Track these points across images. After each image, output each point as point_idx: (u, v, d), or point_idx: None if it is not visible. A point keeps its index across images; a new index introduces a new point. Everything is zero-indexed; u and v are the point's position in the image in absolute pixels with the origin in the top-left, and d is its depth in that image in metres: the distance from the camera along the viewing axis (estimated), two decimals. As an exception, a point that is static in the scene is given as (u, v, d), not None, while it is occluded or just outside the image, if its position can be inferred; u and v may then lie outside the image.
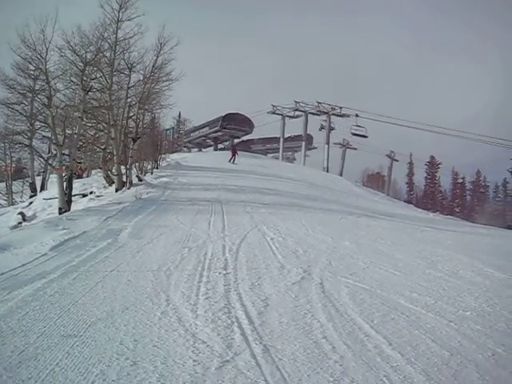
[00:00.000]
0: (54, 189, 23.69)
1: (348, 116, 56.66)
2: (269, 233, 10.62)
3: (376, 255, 8.82)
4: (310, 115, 59.63)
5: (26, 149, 29.74)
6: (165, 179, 24.01)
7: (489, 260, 9.05)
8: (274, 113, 61.15)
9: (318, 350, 4.37)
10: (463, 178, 74.38)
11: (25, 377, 3.72)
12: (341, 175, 55.14)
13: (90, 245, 8.89)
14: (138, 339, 4.47)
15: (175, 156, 43.11)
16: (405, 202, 54.42)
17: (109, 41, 20.40)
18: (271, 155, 66.50)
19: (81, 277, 6.67)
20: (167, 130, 51.64)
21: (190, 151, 67.10)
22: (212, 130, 68.31)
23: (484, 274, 7.77)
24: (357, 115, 55.80)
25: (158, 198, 17.24)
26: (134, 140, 22.42)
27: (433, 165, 73.00)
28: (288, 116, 61.14)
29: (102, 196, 20.07)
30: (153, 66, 22.67)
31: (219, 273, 7.01)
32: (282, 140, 61.70)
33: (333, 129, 58.11)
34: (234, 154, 39.30)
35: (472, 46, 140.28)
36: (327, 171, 54.69)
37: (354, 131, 57.41)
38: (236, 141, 69.87)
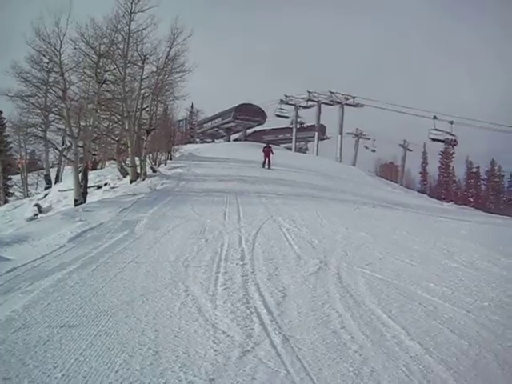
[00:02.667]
0: (68, 180, 23.93)
1: (361, 106, 56.35)
2: (284, 223, 10.66)
3: (392, 245, 8.84)
4: (322, 105, 59.38)
5: (40, 141, 30.02)
6: (179, 170, 24.13)
7: (505, 250, 9.02)
8: (286, 103, 61.04)
9: (336, 339, 4.41)
10: (478, 168, 73.78)
11: (51, 366, 3.79)
12: (354, 165, 54.99)
13: (107, 236, 8.99)
14: (159, 329, 4.53)
15: (188, 147, 43.24)
16: (418, 191, 54.10)
17: (122, 32, 20.57)
18: (284, 145, 66.45)
19: (100, 268, 6.76)
20: (180, 121, 51.82)
21: (202, 142, 67.24)
22: (225, 121, 68.28)
23: (501, 265, 7.75)
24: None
25: (172, 189, 17.35)
26: (148, 131, 22.54)
27: (447, 154, 72.50)
28: (301, 106, 60.98)
29: (116, 187, 20.20)
30: (166, 58, 22.85)
31: (236, 263, 7.07)
32: (294, 130, 61.57)
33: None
34: (267, 155, 28.73)
35: (487, 31, 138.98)
36: (340, 161, 54.57)
37: (432, 136, 52.50)
38: (249, 131, 69.93)
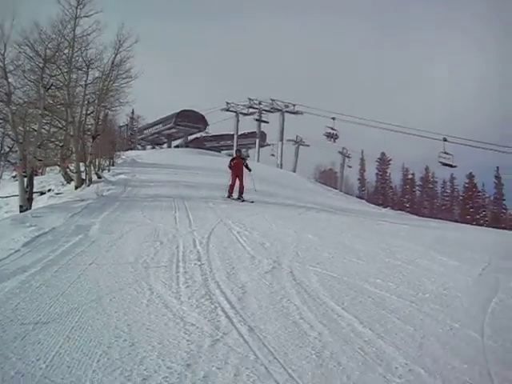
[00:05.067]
0: (9, 187, 23.51)
1: (301, 113, 57.42)
2: (234, 227, 11.02)
3: (339, 246, 9.35)
4: (263, 112, 60.19)
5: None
6: (123, 176, 24.15)
7: (441, 249, 9.71)
8: (227, 110, 61.55)
9: (297, 328, 4.83)
10: (413, 174, 76.60)
11: (33, 358, 4.03)
12: (294, 171, 55.99)
13: (63, 240, 9.10)
14: (131, 324, 4.82)
15: (130, 153, 43.05)
16: (357, 197, 55.70)
17: (67, 37, 20.39)
18: (225, 152, 66.98)
19: (62, 270, 6.93)
20: (121, 127, 51.47)
21: (144, 149, 66.91)
22: (166, 127, 68.26)
23: (438, 262, 8.39)
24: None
25: (119, 194, 17.44)
26: (94, 137, 22.47)
27: (383, 161, 74.88)
28: (242, 113, 61.67)
29: (61, 194, 20.09)
30: (112, 63, 22.78)
31: (194, 264, 7.39)
32: (235, 137, 62.15)
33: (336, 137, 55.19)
34: (238, 174, 17.87)
35: (419, 41, 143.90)
36: (281, 167, 55.46)
37: (442, 160, 49.50)
38: (190, 138, 70.08)
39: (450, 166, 49.36)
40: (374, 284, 6.62)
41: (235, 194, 17.60)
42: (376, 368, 4.02)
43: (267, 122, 58.90)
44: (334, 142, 55.34)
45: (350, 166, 66.41)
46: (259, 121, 58.85)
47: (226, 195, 17.63)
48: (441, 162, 48.68)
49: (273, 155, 60.63)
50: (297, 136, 62.55)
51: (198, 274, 6.83)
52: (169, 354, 4.14)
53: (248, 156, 68.48)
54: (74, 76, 21.92)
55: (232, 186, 17.73)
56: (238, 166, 18.06)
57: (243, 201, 17.02)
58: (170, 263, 7.40)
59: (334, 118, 53.43)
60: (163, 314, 5.12)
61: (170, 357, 4.07)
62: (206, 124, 67.52)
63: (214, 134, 70.10)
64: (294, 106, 58.43)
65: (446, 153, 47.44)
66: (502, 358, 4.39)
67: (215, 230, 10.45)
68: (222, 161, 40.32)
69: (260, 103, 59.89)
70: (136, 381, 3.64)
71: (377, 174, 75.38)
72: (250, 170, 18.16)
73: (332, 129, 54.30)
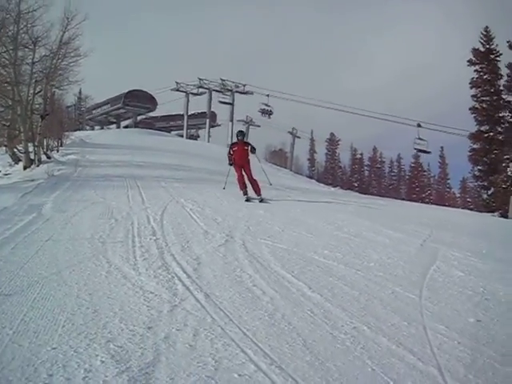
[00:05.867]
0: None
1: (251, 93, 57.59)
2: (187, 204, 11.25)
3: (289, 221, 9.72)
4: (214, 92, 60.08)
5: None
6: (73, 156, 23.98)
7: (387, 223, 10.22)
8: (177, 90, 61.16)
9: (250, 294, 5.16)
10: (361, 154, 78.17)
11: (-1, 326, 4.21)
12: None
13: (16, 219, 9.15)
14: (92, 293, 5.04)
15: (79, 134, 42.38)
16: (307, 177, 56.53)
17: (12, 13, 19.94)
18: (175, 132, 66.61)
19: (19, 246, 7.05)
20: (68, 107, 50.55)
21: (92, 129, 65.83)
22: (114, 108, 67.35)
23: (384, 234, 8.86)
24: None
25: (70, 174, 17.40)
26: (43, 117, 22.14)
27: (333, 141, 76.06)
28: (192, 93, 61.39)
29: (10, 174, 19.79)
30: (60, 41, 22.38)
31: (150, 238, 7.62)
32: (185, 117, 61.89)
33: None
34: (243, 164, 13.66)
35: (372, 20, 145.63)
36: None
37: (417, 146, 50.05)
38: (139, 118, 69.32)
39: (425, 151, 50.37)
40: (322, 255, 7.00)
41: (250, 192, 13.27)
42: (324, 326, 4.38)
43: (231, 104, 58.60)
44: (269, 117, 56.37)
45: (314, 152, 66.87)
46: (223, 103, 58.50)
47: (242, 193, 13.21)
48: (416, 149, 49.55)
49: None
50: (247, 116, 62.76)
51: (153, 247, 7.06)
52: (130, 318, 4.38)
53: (198, 136, 68.48)
54: (21, 54, 21.49)
55: (241, 180, 13.44)
56: (240, 154, 13.60)
57: (262, 200, 12.89)
58: (125, 238, 7.60)
59: (268, 95, 55.02)
60: (123, 284, 5.35)
61: (131, 321, 4.32)
62: (155, 104, 66.89)
63: (164, 114, 69.53)
64: (243, 85, 58.54)
65: (420, 139, 48.10)
66: (437, 315, 4.84)
67: (168, 208, 10.66)
68: (172, 141, 40.38)
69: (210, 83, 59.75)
70: (101, 342, 3.87)
71: (326, 154, 76.59)
72: (254, 151, 13.85)
73: (266, 105, 55.54)
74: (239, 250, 7.06)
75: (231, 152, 13.78)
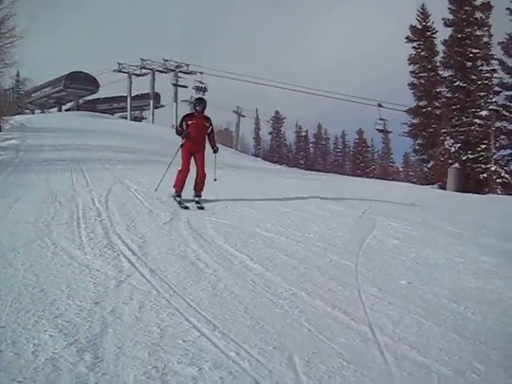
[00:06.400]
0: None
1: (195, 73, 57.01)
2: (132, 185, 11.30)
3: (233, 198, 9.93)
4: (157, 73, 59.23)
5: None
6: (13, 141, 23.36)
7: (328, 197, 10.59)
8: (119, 71, 59.95)
9: (194, 267, 5.37)
10: (306, 132, 78.93)
11: None
12: (190, 132, 55.81)
13: (-44, 205, 9.02)
14: (39, 273, 5.12)
15: (18, 118, 41.22)
16: (253, 155, 56.80)
17: None
18: (118, 115, 65.54)
19: (-40, 231, 7.01)
20: (6, 90, 48.99)
21: (33, 113, 64.06)
22: (55, 90, 65.47)
23: (324, 208, 9.22)
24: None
25: (12, 159, 17.04)
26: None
27: (278, 119, 76.49)
28: (134, 74, 60.31)
29: None
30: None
31: (95, 219, 7.69)
32: (129, 99, 60.90)
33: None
34: (197, 150, 9.62)
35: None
36: (176, 129, 55.13)
37: (378, 127, 48.51)
38: (81, 100, 67.83)
39: (387, 131, 50.67)
40: (264, 228, 7.29)
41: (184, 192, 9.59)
42: (264, 294, 4.64)
43: (186, 87, 57.77)
44: (204, 94, 56.18)
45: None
46: (177, 85, 57.53)
47: (173, 193, 9.61)
48: (377, 129, 49.67)
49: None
50: (191, 96, 62.19)
51: (99, 228, 7.15)
52: (77, 295, 4.51)
53: (143, 118, 67.55)
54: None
55: (183, 175, 9.52)
56: (197, 132, 9.49)
57: (200, 207, 9.11)
58: (70, 220, 7.64)
59: (201, 72, 55.02)
60: (69, 264, 5.45)
61: (78, 297, 4.45)
62: (97, 86, 65.42)
63: (107, 96, 68.18)
64: (187, 65, 57.92)
65: (381, 119, 47.71)
66: (371, 279, 5.19)
67: (113, 189, 10.68)
68: (116, 123, 39.84)
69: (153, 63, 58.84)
70: (49, 318, 3.99)
71: (271, 132, 76.99)
72: (216, 150, 10.05)
73: (200, 82, 55.14)
74: (183, 227, 7.25)
75: (186, 126, 9.45)
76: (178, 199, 9.36)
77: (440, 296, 4.80)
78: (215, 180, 9.72)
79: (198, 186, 9.52)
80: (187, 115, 9.91)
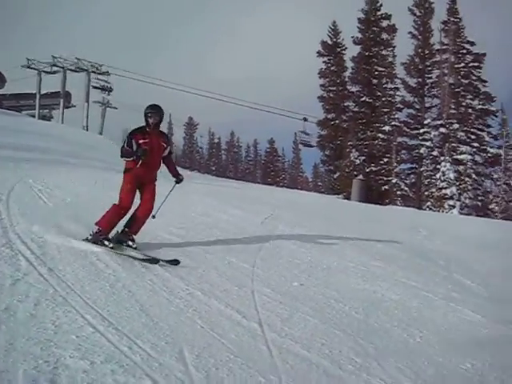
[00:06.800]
0: None
1: (108, 74, 55.82)
2: (36, 185, 11.00)
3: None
4: (68, 72, 57.61)
5: None
6: None
7: (235, 203, 10.91)
8: (29, 67, 57.80)
9: (94, 267, 5.45)
10: (219, 139, 79.45)
11: None
12: (101, 134, 54.75)
13: None
14: None
15: None
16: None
17: None
18: (26, 112, 63.10)
19: None
20: None
21: None
22: (-48, 86, 62.19)
23: (229, 213, 9.54)
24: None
25: None
26: None
27: (191, 125, 76.57)
28: (45, 71, 58.35)
29: None
30: None
31: (-7, 219, 7.50)
32: (38, 96, 58.80)
33: None
34: (144, 179, 6.92)
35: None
36: (87, 130, 53.90)
37: (302, 141, 44.05)
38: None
39: (310, 145, 50.20)
40: (167, 231, 7.42)
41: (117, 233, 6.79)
42: (161, 293, 4.80)
43: (111, 90, 56.32)
44: (109, 94, 55.76)
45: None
46: (101, 89, 55.95)
47: (96, 233, 6.58)
48: (301, 143, 49.01)
49: None
50: (103, 97, 60.99)
51: (-4, 227, 6.99)
52: (-32, 295, 4.46)
53: (52, 117, 65.44)
54: None
55: (119, 213, 6.83)
56: (152, 154, 6.79)
57: (175, 262, 6.01)
58: (-34, 220, 7.42)
59: (107, 72, 54.94)
60: (-40, 264, 5.34)
61: (-30, 296, 4.41)
62: (3, 81, 62.74)
63: (14, 92, 65.38)
64: (100, 66, 56.72)
65: (305, 133, 46.43)
66: (266, 281, 5.50)
67: (16, 189, 10.35)
68: (22, 121, 38.42)
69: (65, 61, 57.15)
70: None
71: (184, 137, 77.06)
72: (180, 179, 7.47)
73: (106, 82, 55.01)
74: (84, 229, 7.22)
75: (138, 147, 6.72)
76: (108, 242, 6.44)
77: (328, 297, 5.15)
78: (154, 217, 6.93)
79: (137, 224, 6.84)
80: (136, 131, 6.94)
